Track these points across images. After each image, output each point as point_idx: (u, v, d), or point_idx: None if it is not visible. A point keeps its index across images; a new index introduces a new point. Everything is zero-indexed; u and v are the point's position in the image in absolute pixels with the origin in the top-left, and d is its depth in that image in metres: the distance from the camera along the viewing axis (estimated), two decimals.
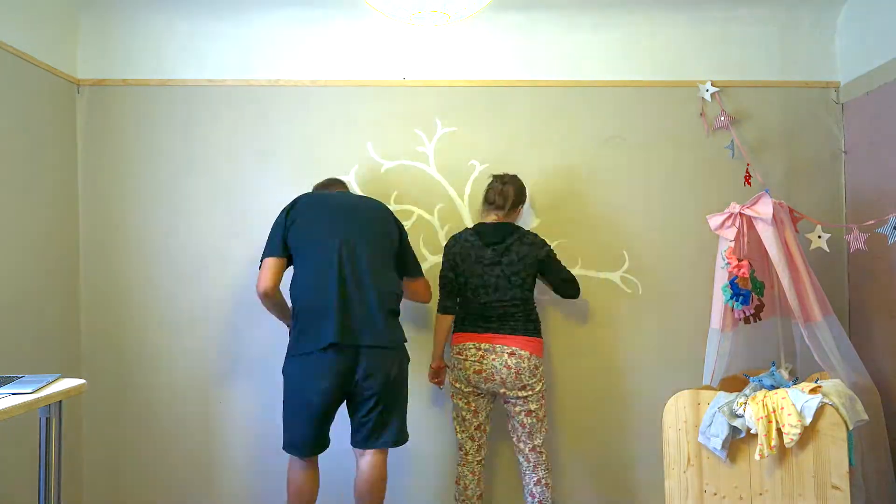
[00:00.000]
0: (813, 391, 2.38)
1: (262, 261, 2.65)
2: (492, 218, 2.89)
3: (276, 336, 3.19)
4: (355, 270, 2.58)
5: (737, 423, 2.41)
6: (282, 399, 2.62)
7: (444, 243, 3.21)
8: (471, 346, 2.79)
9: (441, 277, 2.92)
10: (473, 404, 2.84)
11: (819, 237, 2.85)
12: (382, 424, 2.59)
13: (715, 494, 2.48)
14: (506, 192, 2.86)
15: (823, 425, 2.34)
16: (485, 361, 2.75)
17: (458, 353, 2.82)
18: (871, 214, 2.85)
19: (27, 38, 2.80)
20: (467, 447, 2.87)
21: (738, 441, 2.44)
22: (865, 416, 2.43)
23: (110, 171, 3.19)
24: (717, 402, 2.49)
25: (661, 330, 3.24)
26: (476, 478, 2.87)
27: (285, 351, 2.89)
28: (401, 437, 2.65)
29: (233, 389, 3.19)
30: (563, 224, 3.23)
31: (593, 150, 3.24)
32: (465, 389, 2.82)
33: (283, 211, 2.70)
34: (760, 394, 2.44)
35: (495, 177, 2.94)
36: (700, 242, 3.09)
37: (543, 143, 3.24)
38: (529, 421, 2.80)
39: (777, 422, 2.35)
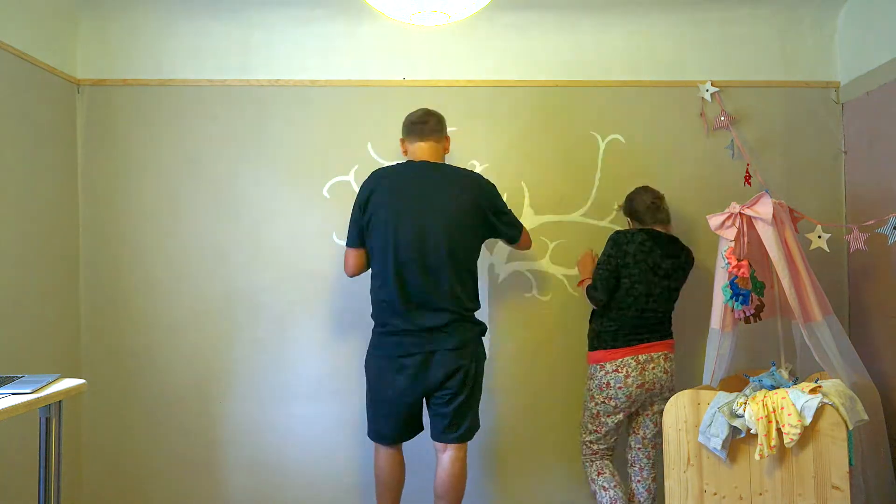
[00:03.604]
0: (813, 391, 2.37)
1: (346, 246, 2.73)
2: (658, 228, 2.88)
3: (275, 336, 3.20)
4: (425, 275, 2.57)
5: (737, 423, 2.41)
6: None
7: None
8: (630, 360, 2.75)
9: (604, 268, 2.80)
10: (621, 415, 2.80)
11: (819, 237, 2.85)
12: (457, 420, 2.63)
13: (715, 494, 2.48)
14: (665, 206, 2.89)
15: (823, 425, 2.33)
16: (646, 373, 2.75)
17: (617, 371, 2.75)
18: (871, 214, 2.85)
19: (27, 38, 2.80)
20: (610, 469, 2.84)
21: (738, 441, 2.44)
22: (865, 416, 2.43)
23: (110, 171, 3.19)
24: (717, 402, 2.49)
25: None
26: (625, 495, 2.81)
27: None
28: (471, 433, 2.69)
29: (233, 389, 3.19)
30: (563, 224, 3.23)
31: (593, 150, 3.24)
32: (622, 406, 2.77)
33: (360, 196, 2.67)
34: (760, 394, 2.44)
35: (647, 194, 2.89)
36: (700, 242, 3.09)
37: (543, 143, 3.24)
38: (659, 420, 2.81)
39: (777, 422, 2.35)
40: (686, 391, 2.57)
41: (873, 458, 2.71)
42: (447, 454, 2.66)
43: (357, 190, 3.23)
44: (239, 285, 3.19)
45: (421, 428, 2.75)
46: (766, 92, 3.26)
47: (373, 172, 2.72)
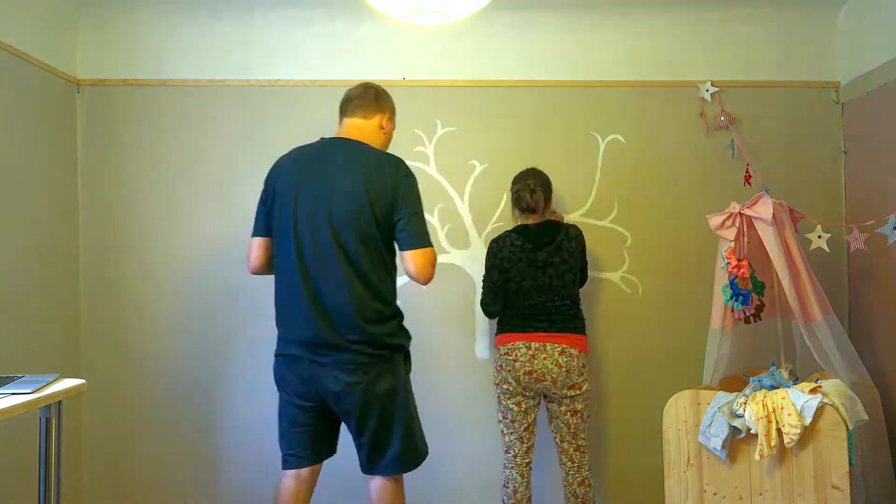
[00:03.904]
0: (813, 391, 2.37)
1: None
2: (531, 220, 2.85)
3: (275, 335, 3.19)
4: (327, 267, 2.16)
5: (737, 423, 2.41)
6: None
7: (444, 244, 3.22)
8: (521, 345, 2.73)
9: (487, 282, 2.85)
10: (524, 405, 2.77)
11: (819, 237, 2.85)
12: (378, 447, 2.21)
13: (715, 494, 2.48)
14: (536, 198, 2.80)
15: (823, 425, 2.33)
16: (535, 361, 2.71)
17: (507, 354, 2.75)
18: (871, 214, 2.85)
19: (27, 38, 2.80)
20: (516, 449, 2.80)
21: (738, 441, 2.44)
22: (865, 416, 2.43)
23: (110, 171, 3.19)
24: (717, 402, 2.49)
25: (661, 330, 3.24)
26: (525, 480, 2.81)
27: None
28: (405, 460, 2.25)
29: (232, 389, 3.19)
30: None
31: (593, 150, 3.24)
32: (515, 390, 2.76)
33: (266, 179, 2.34)
34: (760, 394, 2.44)
35: (520, 183, 2.84)
36: (700, 242, 3.09)
37: (543, 143, 3.24)
38: (575, 421, 2.78)
39: (777, 422, 2.35)
40: (686, 391, 2.57)
41: (873, 458, 2.71)
42: (373, 483, 2.27)
43: None
44: (239, 284, 3.18)
45: (312, 457, 2.30)
46: (766, 92, 3.26)
47: (284, 154, 2.38)
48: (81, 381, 2.20)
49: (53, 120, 3.02)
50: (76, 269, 3.15)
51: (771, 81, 3.26)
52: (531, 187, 2.81)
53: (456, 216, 3.23)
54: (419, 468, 2.30)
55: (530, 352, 2.72)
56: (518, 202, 2.84)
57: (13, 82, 2.73)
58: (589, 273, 3.17)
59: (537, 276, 2.76)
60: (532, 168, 2.91)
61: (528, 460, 2.82)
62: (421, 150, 3.22)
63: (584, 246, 2.88)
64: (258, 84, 3.21)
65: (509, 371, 2.75)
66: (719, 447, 2.42)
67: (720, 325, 2.74)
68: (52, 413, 2.11)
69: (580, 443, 2.80)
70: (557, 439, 2.83)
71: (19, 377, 2.16)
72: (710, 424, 2.46)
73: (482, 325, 3.23)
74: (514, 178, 2.91)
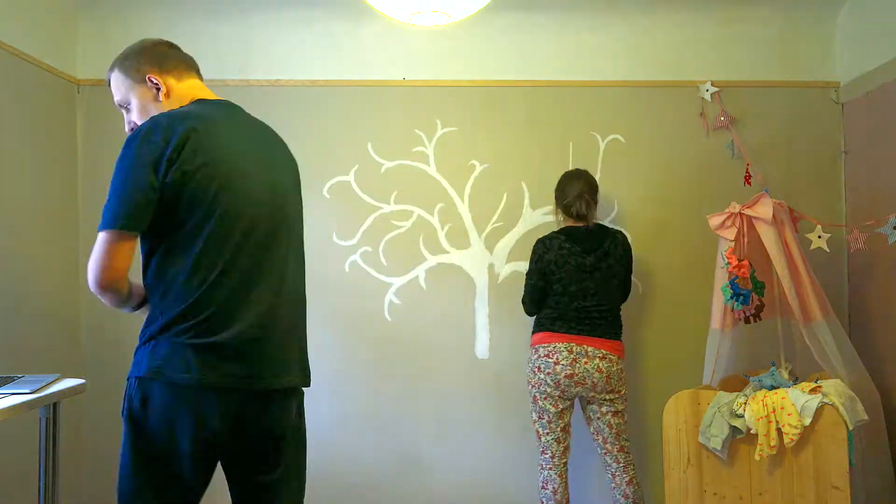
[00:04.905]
0: (813, 391, 2.38)
1: None
2: (580, 223, 2.83)
3: None
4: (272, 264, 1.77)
5: (737, 423, 2.41)
6: None
7: (444, 244, 3.22)
8: (562, 347, 2.71)
9: (529, 286, 2.85)
10: (560, 405, 2.75)
11: (819, 237, 2.85)
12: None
13: (715, 494, 2.48)
14: (589, 207, 2.81)
15: (823, 425, 2.34)
16: (577, 365, 2.69)
17: (547, 356, 2.72)
18: (871, 214, 2.85)
19: (27, 38, 2.80)
20: (553, 449, 2.78)
21: (738, 441, 2.44)
22: (865, 416, 2.43)
23: (110, 171, 3.17)
24: (717, 402, 2.49)
25: (661, 330, 3.23)
26: (563, 481, 2.78)
27: None
28: None
29: None
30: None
31: (593, 150, 3.24)
32: (553, 392, 2.73)
33: (158, 144, 1.77)
34: (760, 394, 2.44)
35: (571, 191, 2.81)
36: (700, 242, 3.09)
37: (543, 143, 3.24)
38: (616, 421, 2.76)
39: (777, 422, 2.35)
40: (686, 391, 2.57)
41: (873, 458, 2.71)
42: None
43: (357, 189, 3.23)
44: None
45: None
46: (766, 92, 3.26)
47: (167, 114, 1.77)
48: (81, 381, 2.21)
49: (53, 120, 3.02)
50: (76, 269, 3.15)
51: (771, 81, 3.26)
52: (584, 196, 2.80)
53: (456, 216, 3.23)
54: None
55: (572, 355, 2.70)
56: (568, 210, 2.82)
57: (13, 82, 2.73)
58: None
59: (583, 280, 2.75)
60: (580, 171, 2.91)
61: (565, 461, 2.81)
62: (421, 150, 3.22)
63: (630, 253, 2.86)
64: (258, 84, 3.21)
65: (549, 373, 2.71)
66: (719, 447, 2.42)
67: (720, 325, 2.74)
68: (52, 413, 2.11)
69: (623, 443, 2.78)
70: (600, 441, 2.80)
71: (19, 377, 2.17)
72: (710, 424, 2.47)
73: (482, 324, 3.23)
74: (562, 180, 2.89)
